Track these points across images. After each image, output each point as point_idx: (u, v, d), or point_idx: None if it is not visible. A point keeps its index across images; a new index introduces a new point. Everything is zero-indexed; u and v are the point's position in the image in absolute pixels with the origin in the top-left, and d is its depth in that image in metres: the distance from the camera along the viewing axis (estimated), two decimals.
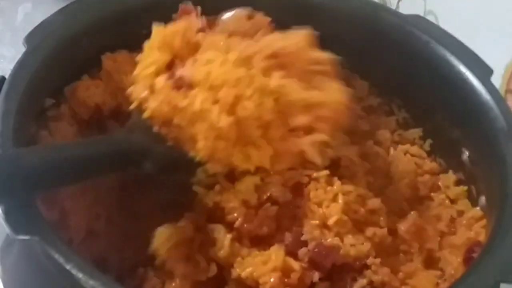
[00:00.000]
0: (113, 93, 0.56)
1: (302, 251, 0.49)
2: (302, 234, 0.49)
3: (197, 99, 0.45)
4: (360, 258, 0.50)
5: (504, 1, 0.65)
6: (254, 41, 0.47)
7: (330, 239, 0.49)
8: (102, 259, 0.50)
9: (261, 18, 0.50)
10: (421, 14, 0.60)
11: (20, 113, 0.47)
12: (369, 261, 0.50)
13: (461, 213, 0.55)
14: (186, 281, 0.48)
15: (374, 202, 0.52)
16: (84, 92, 0.55)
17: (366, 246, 0.50)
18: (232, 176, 0.51)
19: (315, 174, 0.52)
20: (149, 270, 0.49)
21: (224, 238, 0.49)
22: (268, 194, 0.51)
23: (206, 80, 0.45)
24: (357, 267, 0.50)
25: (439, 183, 0.58)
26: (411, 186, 0.57)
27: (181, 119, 0.46)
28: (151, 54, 0.48)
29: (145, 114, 0.47)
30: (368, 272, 0.50)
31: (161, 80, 0.47)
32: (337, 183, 0.51)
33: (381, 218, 0.52)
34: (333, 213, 0.50)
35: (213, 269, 0.49)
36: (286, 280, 0.47)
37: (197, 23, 0.50)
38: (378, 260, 0.50)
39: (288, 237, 0.49)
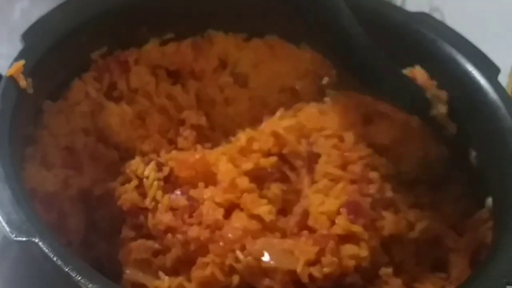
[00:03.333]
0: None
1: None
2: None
3: None
4: (373, 269, 0.48)
5: None
6: None
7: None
8: (101, 262, 0.50)
9: None
10: (427, 11, 0.59)
11: (17, 112, 0.47)
12: (381, 271, 0.48)
13: (467, 214, 0.54)
14: None
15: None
16: (110, 117, 0.54)
17: (384, 258, 0.48)
18: None
19: None
20: None
21: None
22: None
23: None
24: (368, 277, 0.48)
25: None
26: None
27: None
28: None
29: None
30: (378, 282, 0.48)
31: None
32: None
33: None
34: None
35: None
36: None
37: None
38: (390, 270, 0.48)
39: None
